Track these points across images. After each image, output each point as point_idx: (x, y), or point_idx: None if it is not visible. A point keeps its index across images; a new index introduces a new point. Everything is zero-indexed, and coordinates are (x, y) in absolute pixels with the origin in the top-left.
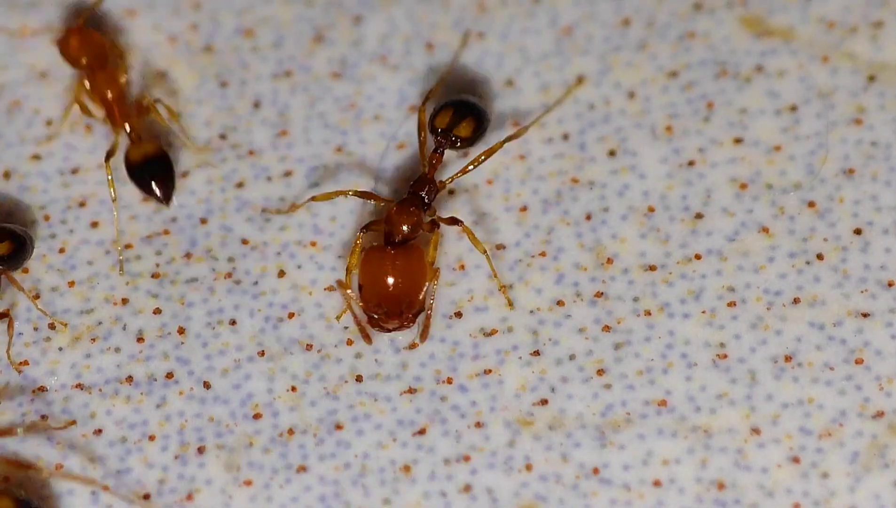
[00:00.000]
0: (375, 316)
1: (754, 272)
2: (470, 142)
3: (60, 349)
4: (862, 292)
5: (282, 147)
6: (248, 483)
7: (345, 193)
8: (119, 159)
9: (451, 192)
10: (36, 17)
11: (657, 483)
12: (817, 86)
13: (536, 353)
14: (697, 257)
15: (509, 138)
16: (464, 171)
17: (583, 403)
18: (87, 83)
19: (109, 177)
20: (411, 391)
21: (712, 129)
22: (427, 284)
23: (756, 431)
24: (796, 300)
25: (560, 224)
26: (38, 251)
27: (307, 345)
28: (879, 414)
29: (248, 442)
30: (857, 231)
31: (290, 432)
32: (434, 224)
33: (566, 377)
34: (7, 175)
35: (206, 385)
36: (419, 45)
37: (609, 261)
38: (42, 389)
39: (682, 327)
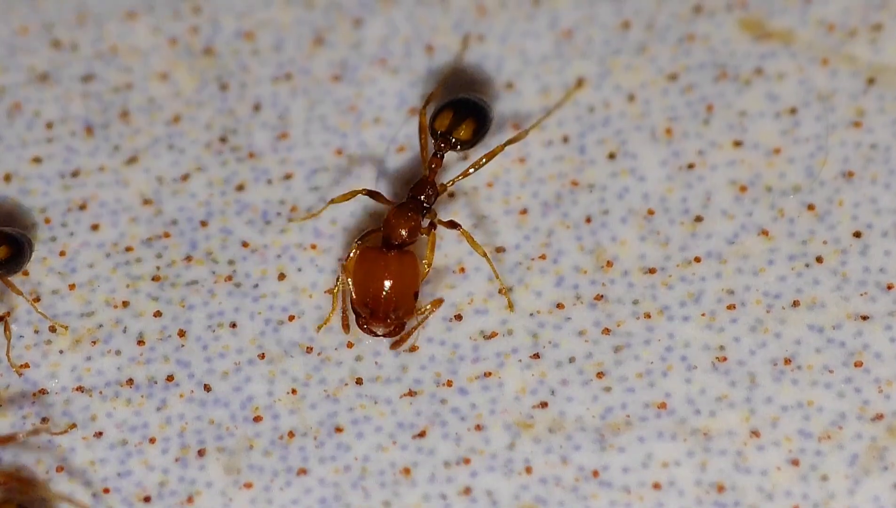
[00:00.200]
0: (362, 315)
1: (754, 275)
2: (471, 144)
3: (61, 351)
4: (861, 294)
5: (282, 150)
6: (249, 485)
7: (357, 192)
8: None
9: (451, 195)
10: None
11: (657, 486)
12: (817, 88)
13: (536, 356)
14: (697, 259)
15: (510, 141)
16: (464, 174)
17: (582, 405)
18: None
19: None
20: (411, 393)
21: (712, 131)
22: (418, 296)
23: (755, 433)
24: (796, 303)
25: (560, 227)
26: (38, 254)
27: (307, 348)
28: (879, 417)
29: (248, 445)
30: (857, 234)
31: (291, 434)
32: (433, 226)
33: (566, 380)
34: (7, 178)
35: (207, 388)
36: (419, 47)
37: (609, 264)
38: (43, 391)
39: (682, 329)
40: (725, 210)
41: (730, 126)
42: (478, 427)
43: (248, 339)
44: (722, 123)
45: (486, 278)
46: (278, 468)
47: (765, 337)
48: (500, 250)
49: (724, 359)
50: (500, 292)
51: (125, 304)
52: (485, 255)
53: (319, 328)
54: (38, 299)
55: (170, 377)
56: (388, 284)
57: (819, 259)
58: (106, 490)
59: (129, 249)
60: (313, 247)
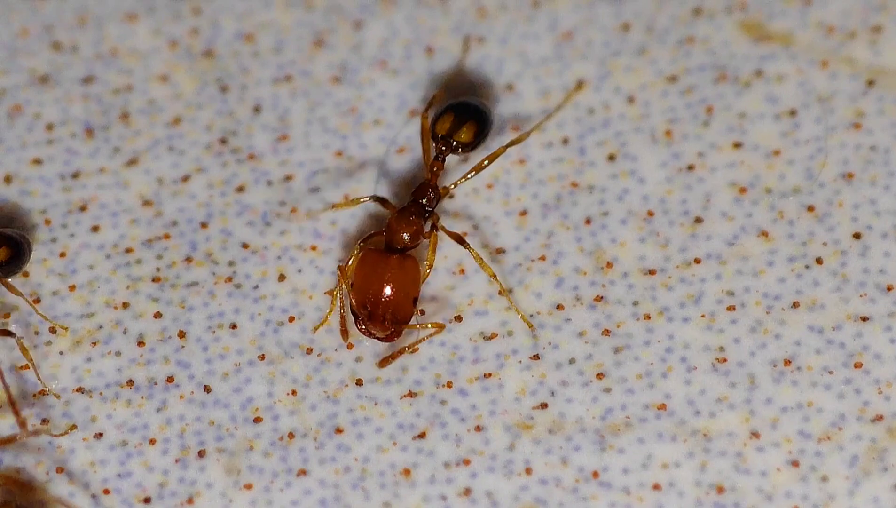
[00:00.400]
0: (359, 317)
1: (753, 276)
2: (472, 146)
3: (61, 353)
4: (861, 296)
5: (282, 151)
6: (249, 486)
7: (360, 200)
8: None
9: (451, 196)
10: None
11: (657, 487)
12: (816, 90)
13: (536, 357)
14: (697, 261)
15: (511, 143)
16: (466, 177)
17: (582, 407)
18: None
19: None
20: (411, 394)
21: (712, 133)
22: (417, 301)
23: (755, 435)
24: (795, 304)
25: (560, 228)
26: (38, 255)
27: (307, 349)
28: (878, 418)
29: (248, 446)
30: (857, 235)
31: (291, 435)
32: (434, 229)
33: (566, 381)
34: (8, 179)
35: (207, 389)
36: (419, 49)
37: (609, 265)
38: (43, 393)
39: (682, 330)
40: (725, 212)
41: (729, 128)
42: (478, 428)
43: (249, 340)
44: (722, 125)
45: (485, 280)
46: (278, 469)
47: (765, 338)
48: (499, 251)
49: (724, 360)
50: (519, 316)
51: (125, 305)
52: (493, 276)
53: (316, 328)
54: (38, 301)
55: (170, 379)
56: (388, 287)
57: (819, 261)
58: (106, 492)
59: (129, 250)
60: (313, 248)
